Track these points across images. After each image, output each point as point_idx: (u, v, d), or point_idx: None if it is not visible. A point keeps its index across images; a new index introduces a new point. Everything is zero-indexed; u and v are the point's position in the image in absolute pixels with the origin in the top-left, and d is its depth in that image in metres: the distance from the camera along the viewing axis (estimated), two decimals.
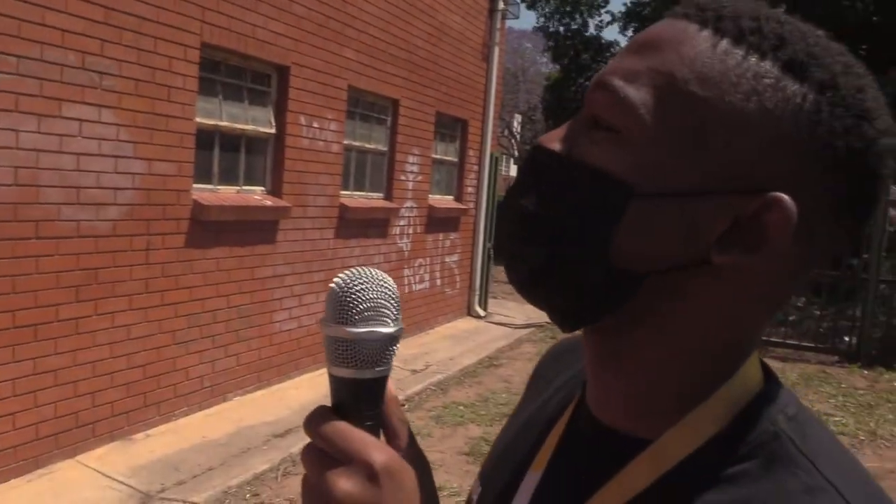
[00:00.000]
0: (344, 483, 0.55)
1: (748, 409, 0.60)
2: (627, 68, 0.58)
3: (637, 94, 0.57)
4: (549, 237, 0.59)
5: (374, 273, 0.60)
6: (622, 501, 0.60)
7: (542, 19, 22.64)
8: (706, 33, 0.57)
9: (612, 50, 17.68)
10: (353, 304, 0.59)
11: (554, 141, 0.61)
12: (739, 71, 0.55)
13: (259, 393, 5.93)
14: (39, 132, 4.03)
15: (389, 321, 0.60)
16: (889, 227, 9.58)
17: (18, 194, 3.95)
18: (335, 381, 0.60)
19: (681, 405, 0.60)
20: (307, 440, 0.59)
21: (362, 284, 0.59)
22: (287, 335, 6.24)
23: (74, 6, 4.13)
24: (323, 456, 0.57)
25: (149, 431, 4.90)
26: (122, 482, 4.20)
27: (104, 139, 4.41)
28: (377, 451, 0.56)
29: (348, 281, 0.60)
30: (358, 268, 0.61)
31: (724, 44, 0.56)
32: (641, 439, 0.61)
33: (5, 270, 3.92)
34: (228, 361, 5.60)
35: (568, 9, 21.57)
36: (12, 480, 4.04)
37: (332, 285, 0.60)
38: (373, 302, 0.59)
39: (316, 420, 0.58)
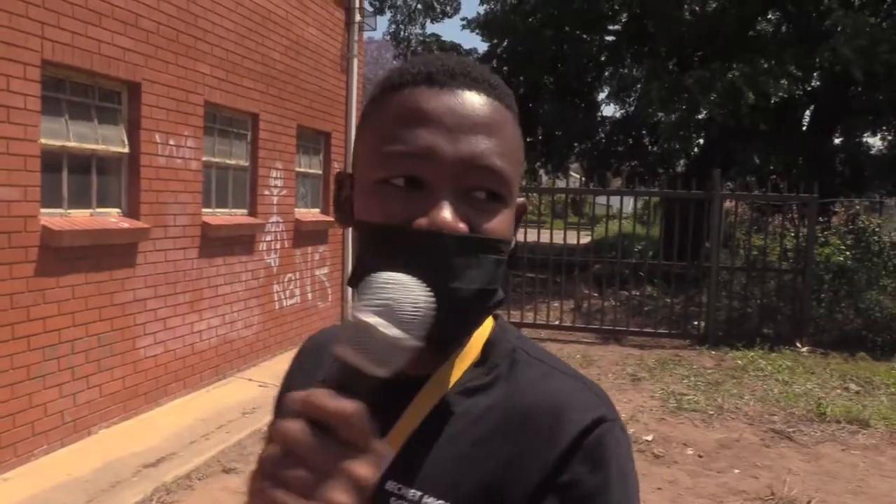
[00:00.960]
0: (371, 472, 0.56)
1: (491, 339, 0.85)
2: (493, 150, 0.76)
3: (513, 171, 0.78)
4: (491, 301, 0.78)
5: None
6: (416, 422, 0.79)
7: (393, 25, 22.93)
8: (510, 114, 0.80)
9: (472, 55, 18.14)
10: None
11: (457, 224, 0.73)
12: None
13: (126, 423, 5.68)
14: None
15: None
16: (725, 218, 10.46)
17: None
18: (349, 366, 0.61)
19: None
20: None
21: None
22: (153, 361, 6.01)
23: None
24: (328, 441, 0.56)
25: (6, 475, 4.59)
26: None
27: None
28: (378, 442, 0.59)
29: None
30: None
31: (512, 119, 0.81)
32: (427, 376, 0.81)
33: None
34: (91, 393, 5.33)
35: (416, 12, 22.01)
36: None
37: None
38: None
39: (333, 399, 0.57)
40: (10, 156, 4.57)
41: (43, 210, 4.87)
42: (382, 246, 0.73)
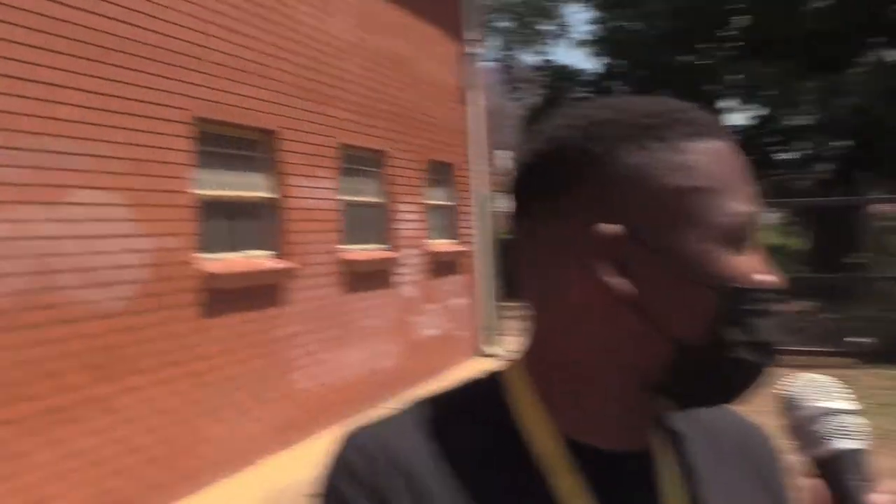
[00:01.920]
0: None
1: None
2: None
3: None
4: None
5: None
6: (677, 484, 0.72)
7: (499, 51, 23.09)
8: None
9: (583, 75, 18.04)
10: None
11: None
12: None
13: (285, 454, 5.92)
14: (48, 220, 4.13)
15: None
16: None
17: (33, 282, 4.03)
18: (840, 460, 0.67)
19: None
20: None
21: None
22: (306, 393, 6.27)
23: (69, 95, 4.28)
24: None
25: (179, 502, 4.90)
26: None
27: (109, 220, 4.51)
28: None
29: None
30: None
31: None
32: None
33: (29, 357, 3.98)
34: (252, 426, 5.62)
35: (522, 36, 22.10)
36: None
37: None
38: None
39: None
40: (170, 207, 4.96)
41: (200, 255, 5.23)
42: (734, 311, 0.65)
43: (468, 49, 9.97)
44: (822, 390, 0.69)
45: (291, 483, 5.28)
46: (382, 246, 7.80)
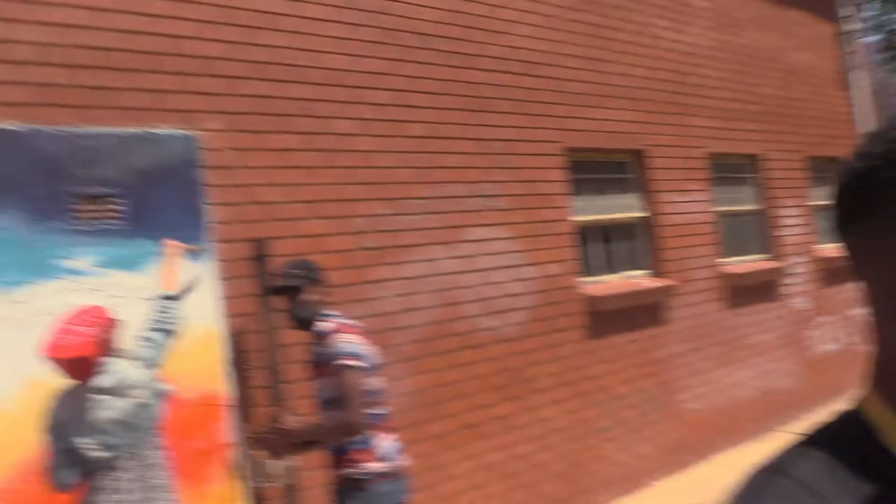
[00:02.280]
0: None
1: None
2: None
3: None
4: None
5: None
6: None
7: (879, 22, 19.92)
8: None
9: None
10: None
11: None
12: None
13: (678, 476, 5.80)
14: (451, 258, 4.66)
15: None
16: None
17: (443, 313, 4.57)
18: None
19: None
20: None
21: None
22: (695, 414, 6.08)
23: (458, 146, 4.80)
24: None
25: None
26: None
27: (500, 253, 4.93)
28: None
29: None
30: None
31: None
32: None
33: (445, 379, 4.51)
34: (643, 446, 5.62)
35: None
36: None
37: None
38: None
39: None
40: (552, 236, 5.25)
41: (581, 279, 5.42)
42: None
43: (843, 27, 8.91)
44: None
45: None
46: (765, 255, 7.27)
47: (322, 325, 2.96)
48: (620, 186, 6.02)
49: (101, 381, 2.84)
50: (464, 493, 4.52)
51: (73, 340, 2.77)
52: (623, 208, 5.98)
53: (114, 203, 3.47)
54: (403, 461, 2.91)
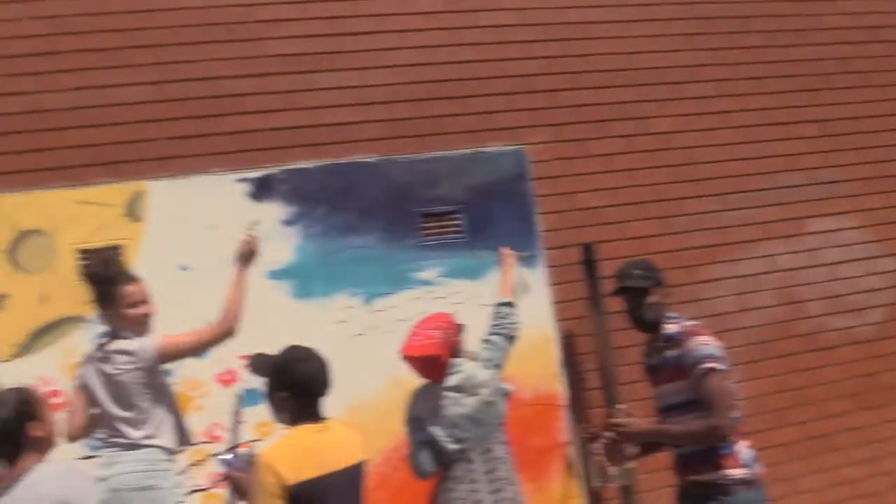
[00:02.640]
0: None
1: None
2: None
3: None
4: None
5: None
6: None
7: None
8: None
9: None
10: None
11: None
12: None
13: None
14: (791, 252, 4.31)
15: None
16: None
17: (784, 312, 4.24)
18: None
19: None
20: None
21: None
22: None
23: (794, 130, 4.41)
24: None
25: None
26: None
27: (849, 245, 4.43)
28: None
29: None
30: None
31: None
32: None
33: (789, 384, 4.18)
34: None
35: None
36: None
37: None
38: None
39: None
40: None
41: None
42: None
43: None
44: None
45: None
46: None
47: (669, 328, 2.92)
48: None
49: (452, 380, 3.13)
50: None
51: (425, 343, 3.09)
52: None
53: (454, 219, 3.83)
54: (761, 468, 2.76)
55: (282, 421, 2.42)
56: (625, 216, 4.08)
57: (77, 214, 3.41)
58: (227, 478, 2.55)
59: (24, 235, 3.38)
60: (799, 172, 4.41)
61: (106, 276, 2.90)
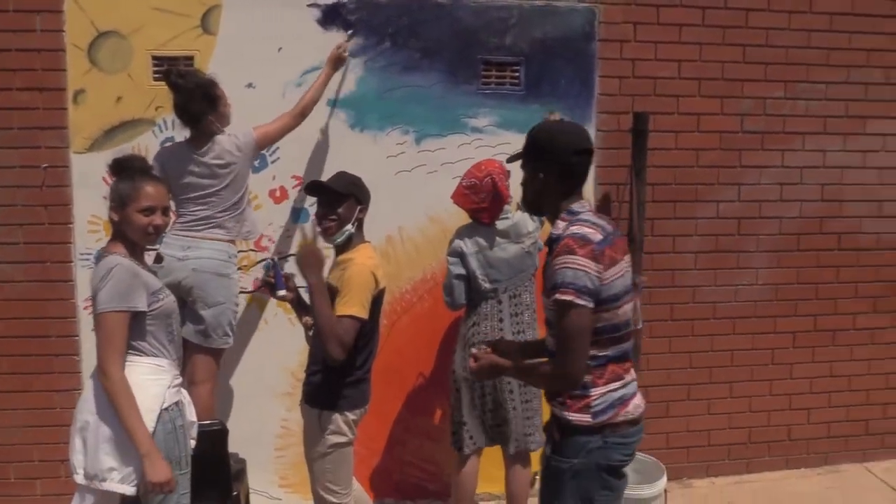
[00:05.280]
0: None
1: None
2: None
3: None
4: None
5: None
6: None
7: None
8: None
9: None
10: None
11: None
12: None
13: None
14: (844, 150, 4.28)
15: None
16: None
17: (824, 209, 4.29)
18: None
19: None
20: None
21: None
22: None
23: (881, 25, 4.22)
24: None
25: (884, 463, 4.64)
26: None
27: None
28: None
29: None
30: None
31: None
32: None
33: (810, 278, 4.32)
34: None
35: None
36: (802, 469, 4.45)
37: None
38: None
39: None
40: None
41: None
42: None
43: None
44: None
45: None
46: None
47: (559, 225, 2.21)
48: None
49: (500, 224, 3.35)
50: (804, 395, 4.42)
51: (477, 187, 3.27)
52: None
53: (514, 70, 3.86)
54: (626, 411, 2.22)
55: (344, 238, 2.80)
56: (685, 90, 4.04)
57: (154, 20, 3.53)
58: (265, 283, 2.98)
59: (102, 35, 3.53)
60: (876, 69, 4.27)
61: (208, 81, 3.20)
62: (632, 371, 2.29)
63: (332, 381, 2.76)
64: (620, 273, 2.15)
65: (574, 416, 2.15)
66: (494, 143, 3.82)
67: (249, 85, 3.60)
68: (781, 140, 4.20)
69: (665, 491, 3.55)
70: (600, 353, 2.15)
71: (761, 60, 4.11)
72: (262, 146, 3.39)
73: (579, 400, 2.15)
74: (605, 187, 4.00)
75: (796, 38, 4.14)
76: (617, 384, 2.18)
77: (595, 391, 2.15)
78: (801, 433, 4.44)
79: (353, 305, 2.65)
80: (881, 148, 4.33)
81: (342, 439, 2.79)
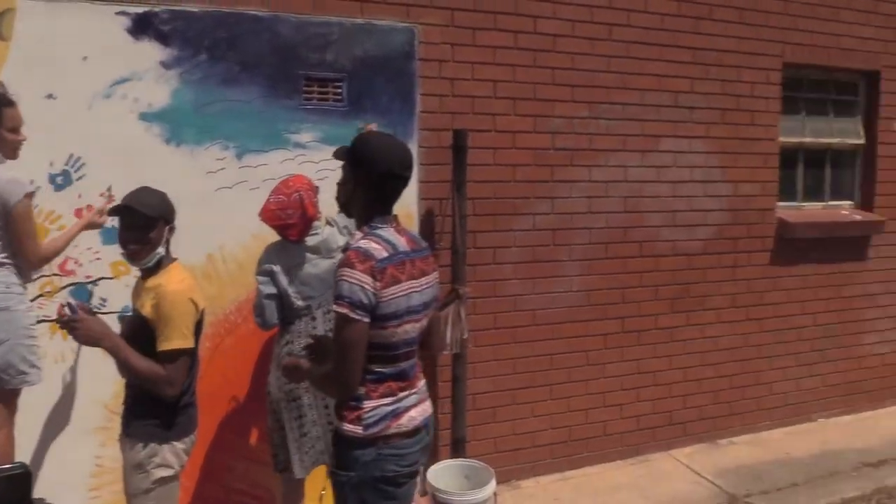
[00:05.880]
0: None
1: None
2: None
3: None
4: None
5: None
6: None
7: None
8: None
9: None
10: None
11: None
12: None
13: (847, 418, 5.65)
14: (642, 166, 4.69)
15: None
16: None
17: (627, 219, 4.67)
18: None
19: None
20: None
21: None
22: (879, 359, 5.80)
23: (668, 53, 4.69)
24: None
25: (732, 438, 5.17)
26: (709, 481, 4.55)
27: (695, 167, 4.87)
28: None
29: None
30: None
31: None
32: None
33: (617, 283, 4.68)
34: (813, 381, 5.51)
35: None
36: (617, 461, 4.78)
37: None
38: None
39: None
40: (753, 155, 5.07)
41: (779, 203, 5.23)
42: None
43: None
44: None
45: (851, 448, 5.07)
46: None
47: (356, 236, 2.26)
48: (841, 109, 5.58)
49: (310, 241, 3.32)
50: (615, 392, 4.77)
51: (284, 203, 3.23)
52: (839, 133, 5.57)
53: (336, 86, 3.87)
54: (402, 423, 2.23)
55: (154, 262, 2.61)
56: (500, 109, 4.26)
57: None
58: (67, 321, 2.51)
59: None
60: (665, 94, 4.72)
61: None
62: (416, 385, 2.32)
63: (156, 409, 2.59)
64: (403, 292, 2.16)
65: (348, 427, 2.18)
66: (318, 158, 3.80)
67: (50, 96, 3.32)
68: (588, 157, 4.53)
69: (495, 494, 3.67)
70: (376, 369, 2.19)
71: (568, 83, 4.42)
72: (11, 226, 3.04)
73: (352, 411, 2.18)
74: (428, 202, 4.10)
75: (598, 62, 4.49)
76: (389, 399, 2.21)
77: (367, 403, 2.18)
78: (614, 428, 4.78)
79: (176, 339, 2.51)
80: (673, 164, 4.79)
81: (168, 472, 2.61)
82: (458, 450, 4.06)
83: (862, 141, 5.63)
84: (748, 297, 5.15)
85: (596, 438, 4.73)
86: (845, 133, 5.60)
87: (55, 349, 3.43)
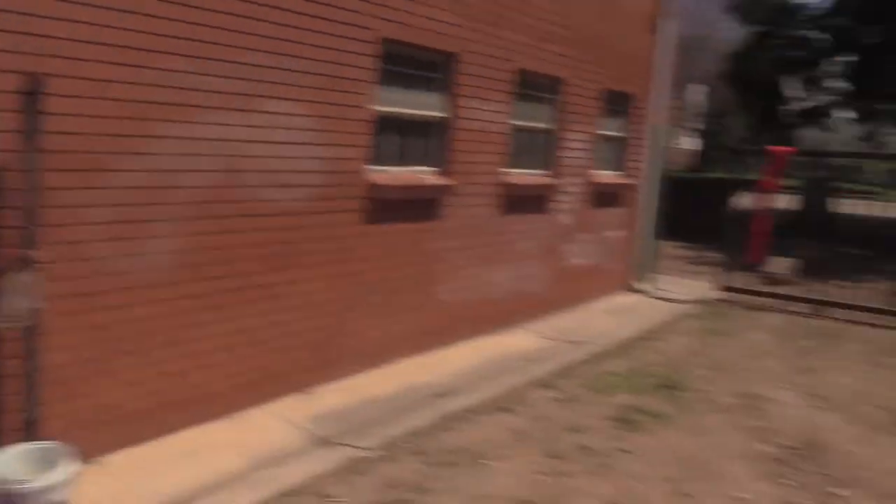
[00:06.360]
0: None
1: None
2: None
3: None
4: None
5: None
6: None
7: None
8: None
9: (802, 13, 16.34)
10: None
11: None
12: None
13: (422, 357, 6.46)
14: (242, 125, 4.66)
15: None
16: None
17: (225, 179, 4.63)
18: None
19: None
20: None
21: None
22: (449, 305, 6.72)
23: (268, 13, 4.70)
24: None
25: (328, 386, 5.58)
26: (304, 428, 4.86)
27: (294, 129, 5.00)
28: None
29: None
30: None
31: None
32: None
33: (214, 243, 4.63)
34: (395, 327, 6.16)
35: None
36: (217, 422, 4.83)
37: None
38: None
39: None
40: (349, 121, 5.38)
41: (370, 166, 5.66)
42: None
43: None
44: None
45: (425, 383, 5.82)
46: (545, 172, 7.91)
47: None
48: (428, 85, 6.21)
49: None
50: (216, 353, 4.78)
51: None
52: (426, 106, 6.20)
53: None
54: None
55: None
56: (85, 54, 3.85)
57: None
58: None
59: None
60: (267, 55, 4.73)
61: None
62: None
63: None
64: None
65: None
66: None
67: None
68: (188, 113, 4.35)
69: (74, 475, 3.44)
70: None
71: (169, 33, 4.17)
72: None
73: None
74: None
75: (200, 15, 4.31)
76: None
77: None
78: (213, 388, 4.79)
79: None
80: (273, 125, 4.85)
81: None
82: (30, 432, 3.69)
83: (446, 114, 6.34)
84: (341, 252, 5.53)
85: (194, 400, 4.69)
86: (433, 106, 6.25)
87: None
